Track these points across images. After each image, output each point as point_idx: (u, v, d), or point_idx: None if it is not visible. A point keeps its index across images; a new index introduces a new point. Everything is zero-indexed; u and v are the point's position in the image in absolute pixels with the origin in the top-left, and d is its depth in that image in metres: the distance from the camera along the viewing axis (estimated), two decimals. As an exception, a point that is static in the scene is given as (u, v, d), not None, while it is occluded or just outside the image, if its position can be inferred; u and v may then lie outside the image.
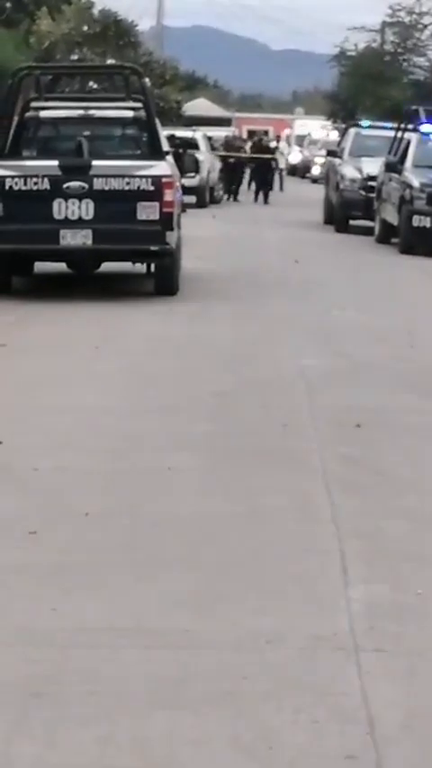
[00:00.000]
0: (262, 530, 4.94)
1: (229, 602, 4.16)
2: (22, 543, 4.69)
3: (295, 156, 50.31)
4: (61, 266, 12.75)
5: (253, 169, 31.26)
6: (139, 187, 11.40)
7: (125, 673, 3.60)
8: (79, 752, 3.16)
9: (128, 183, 11.40)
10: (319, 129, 48.33)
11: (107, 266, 12.70)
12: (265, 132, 46.02)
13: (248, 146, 33.21)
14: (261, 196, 30.04)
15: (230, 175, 30.85)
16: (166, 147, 12.40)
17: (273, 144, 34.28)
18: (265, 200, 29.78)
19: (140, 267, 12.67)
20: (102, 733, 3.25)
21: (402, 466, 5.95)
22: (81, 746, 3.18)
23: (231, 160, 30.77)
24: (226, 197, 30.00)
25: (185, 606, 4.11)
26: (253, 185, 31.82)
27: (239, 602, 4.17)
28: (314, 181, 39.88)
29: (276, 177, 32.68)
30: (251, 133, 47.72)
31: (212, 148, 30.88)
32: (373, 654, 3.77)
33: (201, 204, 26.52)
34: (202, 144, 28.18)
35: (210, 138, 31.65)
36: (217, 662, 3.70)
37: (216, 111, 61.68)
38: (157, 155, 11.86)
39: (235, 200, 30.55)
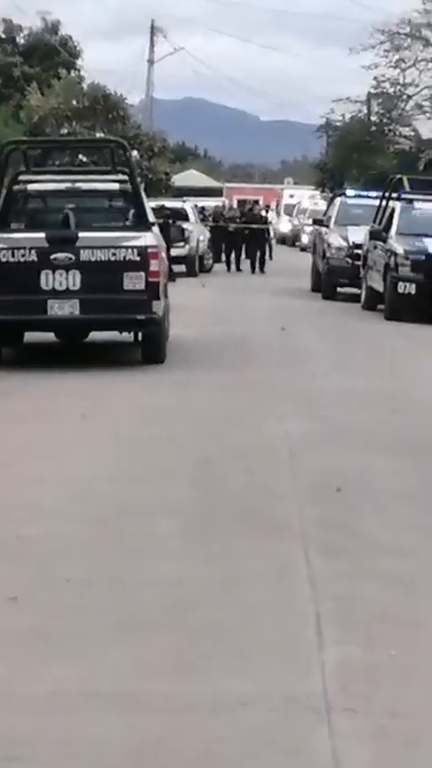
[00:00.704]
0: (240, 594, 5.02)
1: (207, 666, 4.23)
2: (3, 609, 4.77)
3: (285, 226, 50.85)
4: (50, 336, 12.91)
5: (246, 238, 31.36)
6: (125, 258, 11.61)
7: (103, 736, 3.66)
8: None
9: (114, 254, 11.60)
10: (308, 198, 48.90)
11: (95, 335, 12.86)
12: (256, 202, 46.51)
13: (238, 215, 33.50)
14: (257, 265, 30.02)
15: (229, 245, 30.79)
16: (152, 218, 12.62)
17: (263, 213, 34.67)
18: (261, 269, 29.82)
19: (128, 336, 12.83)
20: (77, 794, 3.30)
21: (380, 529, 6.03)
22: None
23: (231, 228, 30.85)
24: (226, 268, 30.03)
25: (163, 670, 4.18)
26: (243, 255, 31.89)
27: (217, 665, 4.24)
28: (303, 249, 40.26)
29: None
30: (241, 203, 48.27)
31: (204, 219, 31.26)
32: (345, 714, 3.83)
33: (190, 273, 26.84)
34: (192, 214, 28.58)
35: (202, 209, 32.10)
36: (193, 724, 3.77)
37: (207, 181, 62.47)
38: (143, 226, 12.08)
39: (238, 269, 30.48)
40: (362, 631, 4.57)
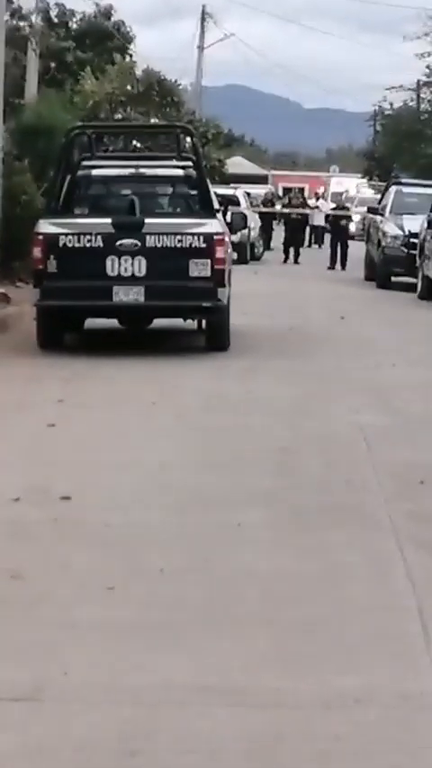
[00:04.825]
0: (338, 587, 4.92)
1: (313, 660, 4.14)
2: (100, 599, 4.70)
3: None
4: (111, 321, 12.84)
5: (330, 230, 29.32)
6: (191, 244, 11.52)
7: (218, 731, 3.59)
8: None
9: (180, 241, 11.52)
10: (355, 186, 48.62)
11: (157, 322, 12.78)
12: (301, 190, 46.22)
13: (284, 202, 32.97)
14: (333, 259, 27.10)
15: (292, 235, 28.90)
16: (216, 205, 12.52)
17: (312, 202, 34.26)
18: (343, 266, 26.97)
19: (191, 323, 12.75)
20: (199, 792, 3.23)
21: (472, 523, 5.91)
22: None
23: (294, 216, 29.64)
24: (284, 259, 29.18)
25: (270, 664, 4.10)
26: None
27: (323, 660, 4.15)
28: (351, 237, 40.01)
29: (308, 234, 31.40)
30: (287, 190, 48.07)
31: (251, 205, 31.08)
32: (463, 714, 3.73)
33: (242, 260, 26.69)
34: (243, 201, 28.43)
35: (248, 195, 31.91)
36: (308, 721, 3.68)
37: (253, 168, 62.25)
38: (209, 212, 11.99)
39: (296, 262, 28.67)
40: (469, 628, 4.46)
